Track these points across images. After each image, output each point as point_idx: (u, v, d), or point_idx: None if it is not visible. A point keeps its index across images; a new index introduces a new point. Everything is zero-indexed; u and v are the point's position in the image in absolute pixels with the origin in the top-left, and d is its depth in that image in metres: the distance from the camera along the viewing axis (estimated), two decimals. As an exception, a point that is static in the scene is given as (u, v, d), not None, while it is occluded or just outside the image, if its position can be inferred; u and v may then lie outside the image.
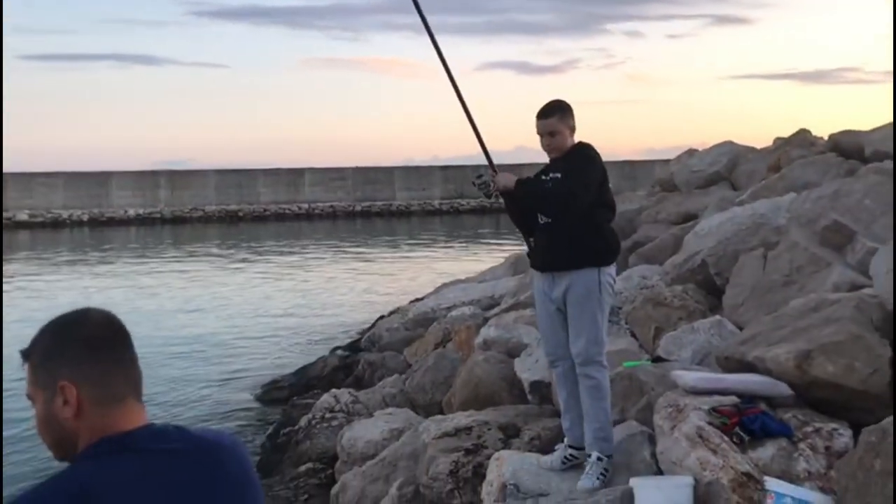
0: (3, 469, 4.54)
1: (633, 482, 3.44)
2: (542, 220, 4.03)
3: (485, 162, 4.25)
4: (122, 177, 41.43)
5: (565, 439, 4.14)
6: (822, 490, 3.23)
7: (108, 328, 1.48)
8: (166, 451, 1.42)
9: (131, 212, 40.10)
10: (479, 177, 4.11)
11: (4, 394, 5.68)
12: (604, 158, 4.12)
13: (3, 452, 5.11)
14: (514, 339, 6.60)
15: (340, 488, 5.49)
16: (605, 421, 3.91)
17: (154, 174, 42.62)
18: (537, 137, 4.07)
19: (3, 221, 31.61)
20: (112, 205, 40.13)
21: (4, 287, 15.85)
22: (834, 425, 3.56)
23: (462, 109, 4.15)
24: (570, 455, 4.02)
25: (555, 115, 3.99)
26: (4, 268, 19.77)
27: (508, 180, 3.98)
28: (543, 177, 4.07)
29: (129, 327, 1.53)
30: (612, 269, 4.02)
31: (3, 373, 5.82)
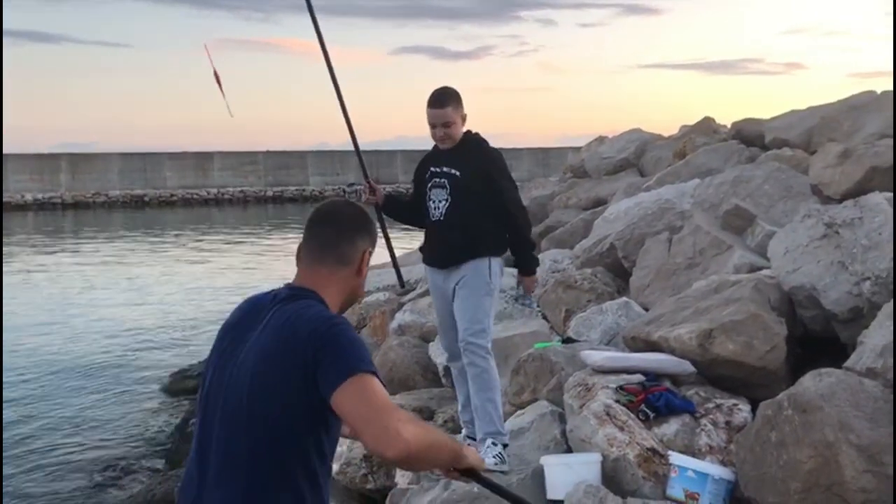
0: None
1: (543, 460, 3.50)
2: (434, 215, 3.93)
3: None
4: (20, 160, 39.56)
5: (463, 431, 4.11)
6: (723, 463, 3.35)
7: (316, 213, 2.11)
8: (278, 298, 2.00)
9: (29, 196, 38.39)
10: (352, 190, 4.06)
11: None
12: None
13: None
14: (428, 324, 6.61)
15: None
16: (494, 414, 3.78)
17: (54, 157, 40.89)
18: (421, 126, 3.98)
19: None
20: (9, 189, 38.30)
21: None
22: (734, 401, 3.70)
23: (338, 100, 4.07)
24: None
25: (450, 104, 3.86)
26: None
27: (380, 198, 4.07)
28: (434, 168, 3.96)
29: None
30: (501, 260, 3.98)
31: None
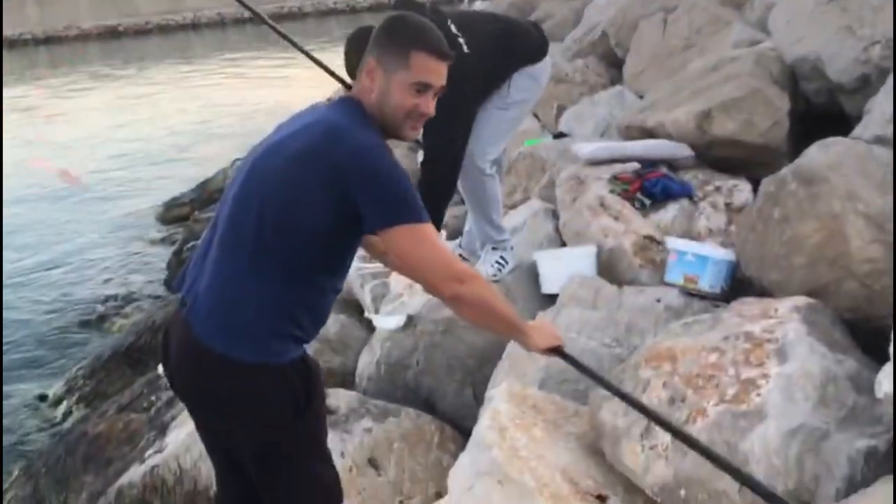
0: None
1: (536, 255, 3.39)
2: None
3: None
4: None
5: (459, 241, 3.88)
6: (723, 245, 3.24)
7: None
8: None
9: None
10: None
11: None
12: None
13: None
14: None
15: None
16: (490, 229, 3.50)
17: (17, -10, 38.80)
18: None
19: None
20: (-26, 29, 36.67)
21: None
22: (734, 182, 3.54)
23: None
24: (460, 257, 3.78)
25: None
26: None
27: None
28: None
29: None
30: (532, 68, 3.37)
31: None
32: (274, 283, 1.84)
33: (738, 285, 3.11)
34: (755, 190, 3.49)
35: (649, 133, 4.03)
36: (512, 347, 3.05)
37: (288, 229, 1.83)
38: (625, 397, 2.01)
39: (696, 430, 2.08)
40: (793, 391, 2.10)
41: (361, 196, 1.79)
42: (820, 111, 4.08)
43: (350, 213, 1.82)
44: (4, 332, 6.47)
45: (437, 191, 3.20)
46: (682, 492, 2.04)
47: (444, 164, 3.19)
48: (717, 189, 3.49)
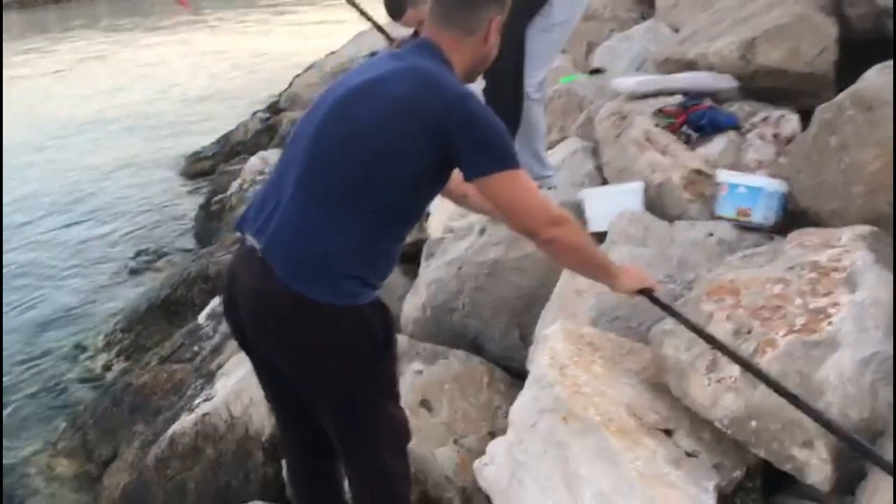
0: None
1: (582, 193, 3.33)
2: None
3: None
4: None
5: None
6: (773, 177, 3.16)
7: None
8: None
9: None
10: None
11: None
12: None
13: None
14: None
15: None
16: (533, 162, 3.52)
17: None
18: None
19: None
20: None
21: None
22: (781, 112, 3.44)
23: None
24: None
25: None
26: None
27: None
28: None
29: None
30: None
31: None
32: (358, 228, 1.82)
33: (790, 217, 3.05)
34: (803, 120, 3.42)
35: (689, 66, 3.93)
36: (561, 287, 3.02)
37: (381, 175, 1.82)
38: (712, 340, 1.99)
39: (767, 360, 2.05)
40: (864, 319, 2.07)
41: (463, 144, 1.80)
42: (864, 38, 3.96)
43: (445, 161, 1.84)
44: (38, 285, 6.53)
45: (504, 120, 3.17)
46: (754, 423, 2.02)
47: (507, 92, 3.20)
48: (764, 120, 3.40)
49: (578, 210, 3.42)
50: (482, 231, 3.32)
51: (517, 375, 3.33)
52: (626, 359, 2.56)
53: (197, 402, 3.70)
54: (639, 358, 2.58)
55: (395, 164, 1.81)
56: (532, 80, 3.31)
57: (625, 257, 2.97)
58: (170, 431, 3.54)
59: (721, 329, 2.23)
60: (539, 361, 2.42)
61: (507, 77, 3.21)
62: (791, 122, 3.37)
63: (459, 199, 2.41)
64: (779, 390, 1.83)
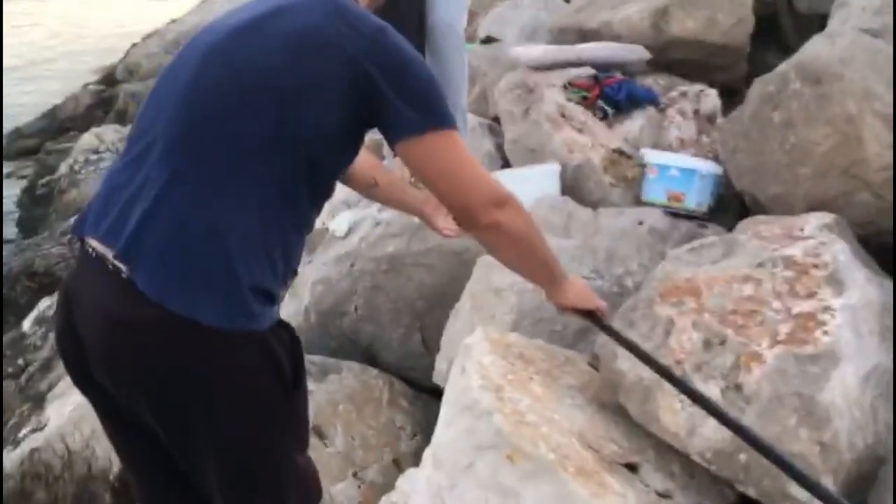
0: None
1: (497, 175, 2.91)
2: None
3: None
4: None
5: None
6: (696, 157, 2.87)
7: None
8: None
9: None
10: None
11: None
12: None
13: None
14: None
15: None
16: (463, 120, 3.13)
17: None
18: None
19: None
20: None
21: None
22: (699, 87, 3.16)
23: None
24: None
25: None
26: None
27: None
28: None
29: None
30: None
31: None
32: (253, 212, 1.32)
33: (720, 202, 2.77)
34: (721, 95, 3.16)
35: (590, 35, 3.59)
36: (475, 284, 2.60)
37: (281, 135, 1.32)
38: (688, 391, 1.57)
39: (755, 379, 1.70)
40: (859, 325, 1.76)
41: (388, 93, 1.34)
42: (772, 13, 3.77)
43: (362, 116, 1.37)
44: None
45: None
46: (743, 456, 1.67)
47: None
48: (683, 95, 3.11)
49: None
50: (377, 222, 2.84)
51: (418, 387, 2.90)
52: (564, 373, 2.16)
53: (23, 432, 3.02)
54: (577, 370, 2.19)
55: (301, 119, 1.33)
56: (463, 22, 2.85)
57: (546, 250, 2.58)
58: (-13, 473, 2.86)
59: (688, 339, 1.87)
60: (466, 382, 1.97)
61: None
62: (710, 97, 3.09)
63: (366, 189, 1.93)
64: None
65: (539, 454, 1.73)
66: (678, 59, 3.35)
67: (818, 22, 3.80)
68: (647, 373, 1.88)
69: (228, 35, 1.38)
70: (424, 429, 2.70)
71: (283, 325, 1.45)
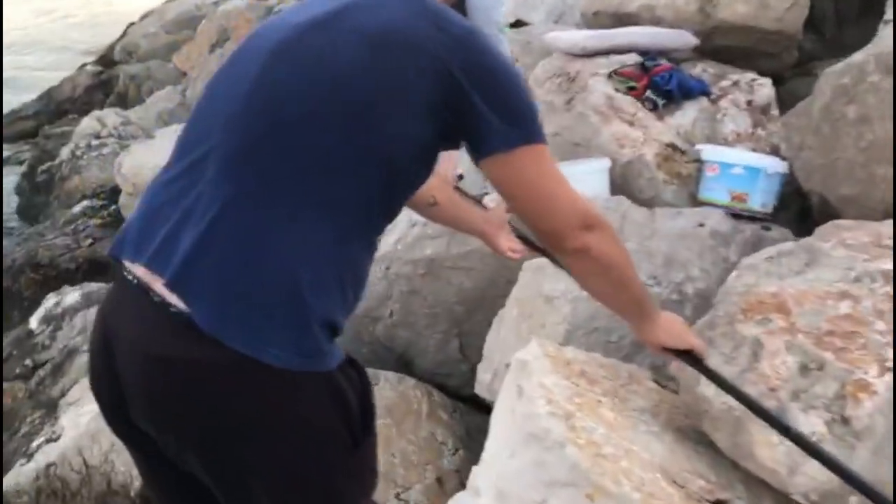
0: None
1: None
2: None
3: None
4: None
5: None
6: (754, 152, 2.69)
7: None
8: None
9: None
10: None
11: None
12: None
13: None
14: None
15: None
16: None
17: None
18: None
19: None
20: None
21: None
22: (751, 76, 2.97)
23: None
24: None
25: None
26: None
27: None
28: None
29: None
30: None
31: None
32: (326, 236, 1.16)
33: (782, 203, 2.60)
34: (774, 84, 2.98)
35: (627, 20, 3.39)
36: (523, 290, 2.42)
37: (360, 147, 1.16)
38: (797, 439, 1.42)
39: (867, 412, 1.54)
40: (976, 351, 1.60)
41: (478, 102, 1.18)
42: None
43: (447, 127, 1.20)
44: None
45: None
46: (854, 500, 1.51)
47: None
48: (735, 84, 2.92)
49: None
50: (413, 222, 2.66)
51: (456, 396, 2.74)
52: (631, 393, 1.99)
53: (36, 443, 2.85)
54: (644, 389, 2.03)
55: (392, 126, 1.17)
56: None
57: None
58: None
59: (782, 362, 1.70)
60: (530, 408, 1.80)
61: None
62: (765, 87, 2.91)
63: (425, 207, 1.76)
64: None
65: (623, 493, 1.57)
66: (723, 46, 3.15)
67: (859, 7, 3.63)
68: (736, 402, 1.71)
69: (297, 32, 1.20)
70: (466, 443, 2.55)
71: (351, 363, 1.28)
